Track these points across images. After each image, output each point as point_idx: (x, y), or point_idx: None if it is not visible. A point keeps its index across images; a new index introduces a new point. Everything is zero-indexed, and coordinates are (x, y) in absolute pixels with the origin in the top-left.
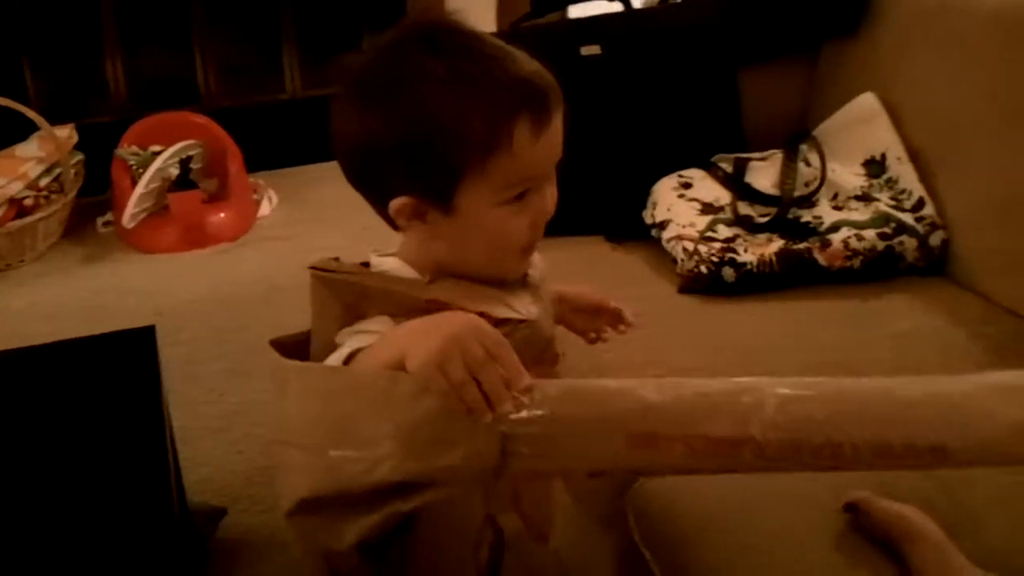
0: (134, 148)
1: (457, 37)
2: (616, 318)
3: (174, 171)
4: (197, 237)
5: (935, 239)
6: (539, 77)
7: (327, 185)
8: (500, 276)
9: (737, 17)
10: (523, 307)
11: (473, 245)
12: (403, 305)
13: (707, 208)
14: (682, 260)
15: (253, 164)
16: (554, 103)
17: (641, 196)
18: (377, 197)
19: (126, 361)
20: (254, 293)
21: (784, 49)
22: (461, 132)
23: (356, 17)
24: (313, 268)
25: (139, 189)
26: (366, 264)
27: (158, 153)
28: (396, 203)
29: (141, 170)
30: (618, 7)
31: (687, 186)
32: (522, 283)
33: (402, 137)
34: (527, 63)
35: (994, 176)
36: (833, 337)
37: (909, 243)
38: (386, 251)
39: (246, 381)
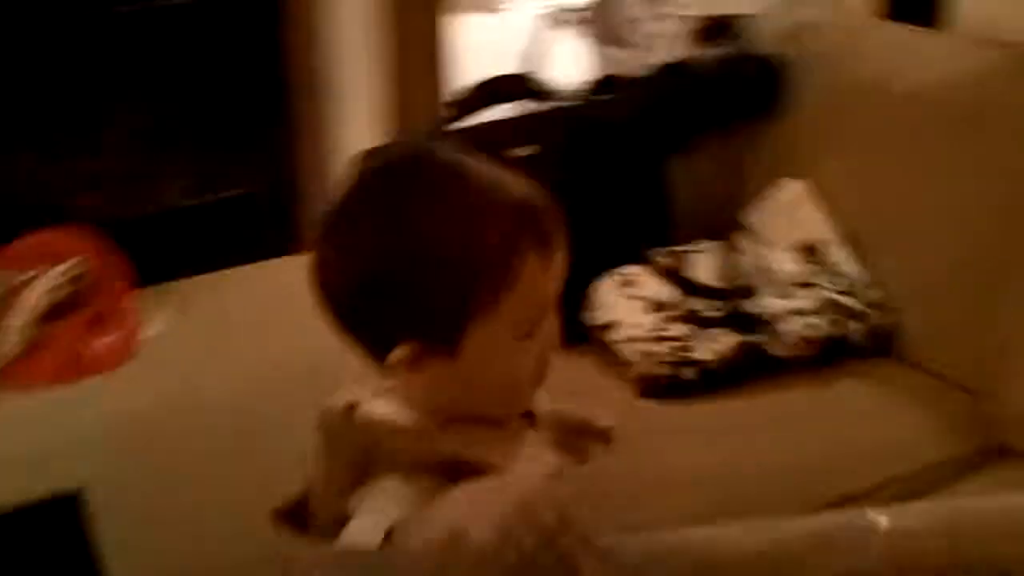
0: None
1: (448, 164)
2: (603, 436)
3: (50, 297)
4: (80, 366)
5: (881, 320)
6: (538, 200)
7: (223, 295)
8: (509, 414)
9: (660, 108)
10: (540, 452)
11: (481, 387)
12: (416, 460)
13: (653, 306)
14: (637, 363)
15: (142, 279)
16: (557, 227)
17: (578, 297)
18: (373, 345)
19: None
20: (152, 423)
21: (708, 136)
22: (471, 268)
23: (247, 116)
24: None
25: (10, 321)
26: (352, 407)
27: (31, 279)
28: (397, 353)
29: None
30: (540, 105)
31: (629, 284)
32: (529, 419)
33: (404, 276)
34: (521, 186)
35: (930, 252)
36: (802, 432)
37: (856, 327)
38: (371, 387)
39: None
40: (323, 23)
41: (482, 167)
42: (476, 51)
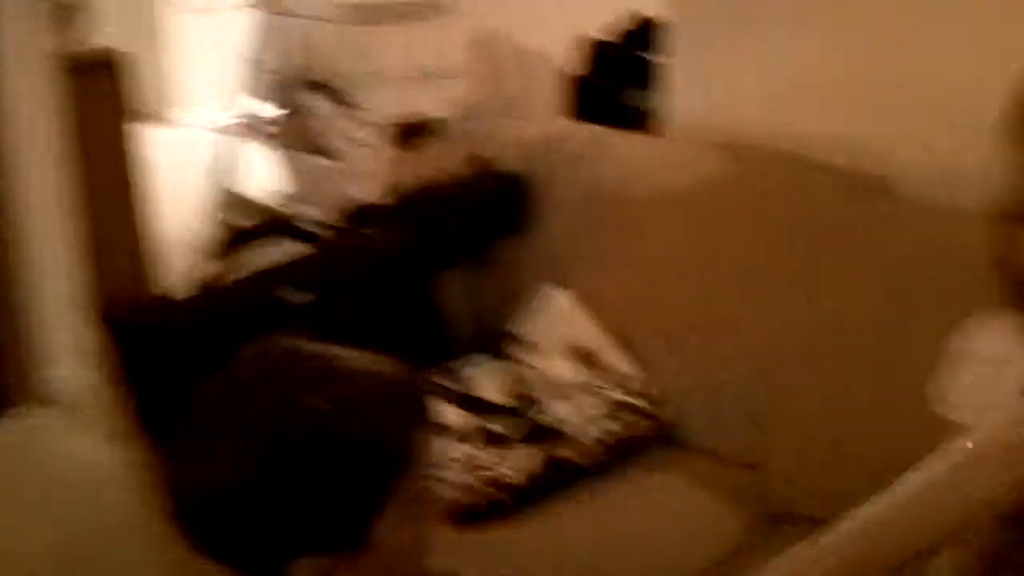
0: None
1: (314, 361)
2: None
3: None
4: None
5: (663, 414)
6: (404, 374)
7: None
8: None
9: (420, 233)
10: None
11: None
12: None
13: (446, 432)
14: (449, 494)
15: None
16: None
17: None
18: (266, 555)
19: None
20: None
21: (470, 254)
22: (378, 462)
23: None
24: None
25: None
26: None
27: None
28: (312, 566)
29: None
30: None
31: None
32: None
33: (306, 487)
34: (383, 364)
35: (698, 343)
36: (618, 534)
37: (645, 424)
38: None
39: None
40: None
41: (345, 357)
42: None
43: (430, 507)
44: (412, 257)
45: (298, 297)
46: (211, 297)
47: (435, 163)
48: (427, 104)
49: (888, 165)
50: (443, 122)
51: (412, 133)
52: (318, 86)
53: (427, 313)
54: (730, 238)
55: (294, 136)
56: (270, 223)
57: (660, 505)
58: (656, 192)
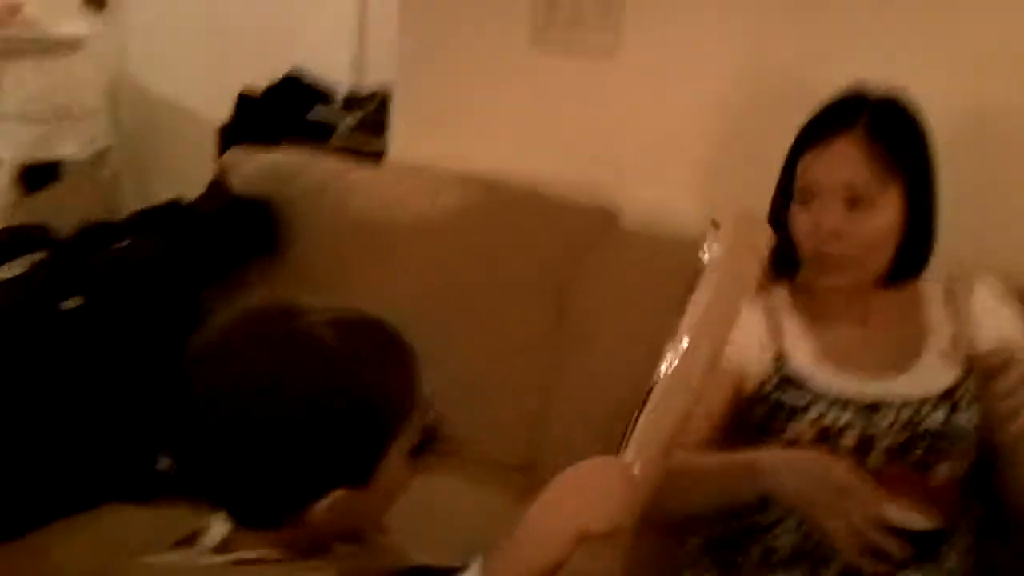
0: None
1: (314, 312)
2: None
3: None
4: None
5: (433, 420)
6: (398, 329)
7: None
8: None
9: (178, 249)
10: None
11: (377, 508)
12: None
13: None
14: None
15: None
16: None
17: (145, 447)
18: (287, 501)
19: None
20: None
21: (223, 271)
22: (391, 405)
23: None
24: None
25: None
26: None
27: None
28: (328, 502)
29: None
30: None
31: None
32: None
33: (321, 427)
34: (380, 321)
35: (461, 356)
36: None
37: None
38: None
39: None
40: None
41: (341, 309)
42: None
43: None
44: (168, 268)
45: (69, 302)
46: None
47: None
48: (59, 144)
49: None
50: (76, 163)
51: (41, 173)
52: None
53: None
54: (487, 261)
55: None
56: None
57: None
58: (398, 220)
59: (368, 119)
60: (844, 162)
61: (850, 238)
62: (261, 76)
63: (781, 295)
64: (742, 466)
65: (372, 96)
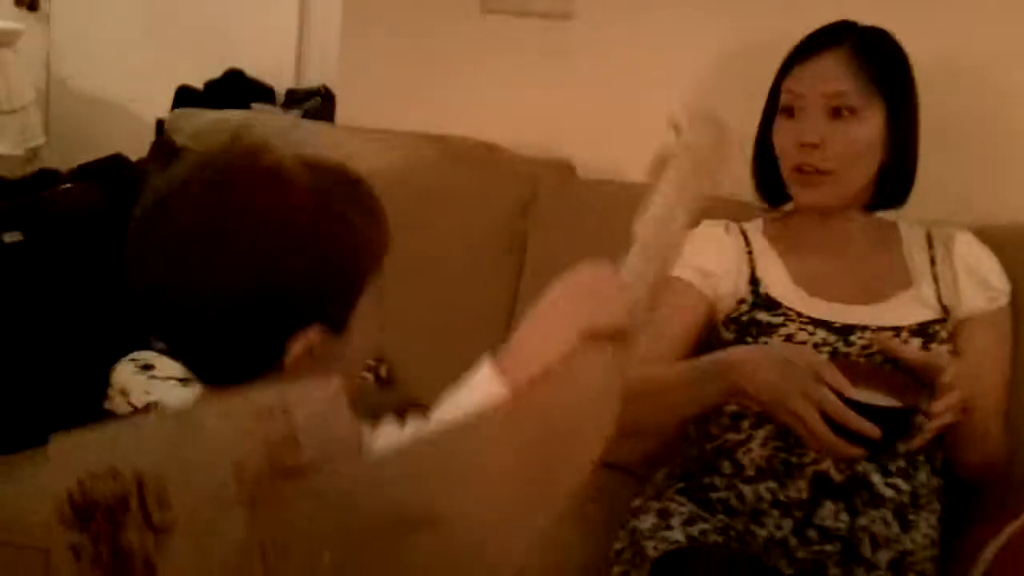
0: None
1: (281, 154)
2: None
3: None
4: None
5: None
6: (364, 181)
7: None
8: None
9: (121, 196)
10: None
11: (351, 363)
12: None
13: (184, 381)
14: None
15: None
16: None
17: (89, 386)
18: (263, 344)
19: None
20: None
21: None
22: (363, 250)
23: None
24: None
25: None
26: None
27: None
28: (304, 340)
29: None
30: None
31: (149, 367)
32: None
33: (329, 273)
34: (351, 173)
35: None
36: None
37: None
38: None
39: None
40: None
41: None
42: None
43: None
44: (108, 216)
45: (9, 236)
46: None
47: None
48: None
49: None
50: (9, 158)
51: None
52: None
53: None
54: (412, 215)
55: None
56: None
57: None
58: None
59: (311, 114)
60: (829, 73)
61: (831, 149)
62: (200, 76)
63: (758, 226)
64: (710, 364)
65: (314, 92)
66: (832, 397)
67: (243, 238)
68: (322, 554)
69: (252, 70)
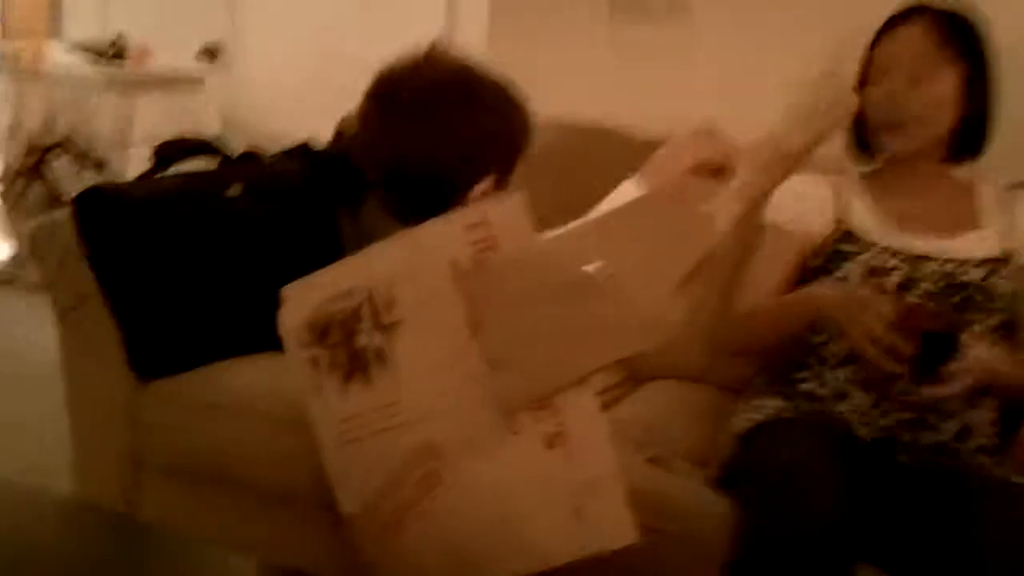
0: None
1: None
2: None
3: None
4: None
5: None
6: None
7: None
8: None
9: (319, 172)
10: None
11: None
12: None
13: None
14: None
15: None
16: None
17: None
18: (462, 185)
19: None
20: None
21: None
22: (527, 129)
23: None
24: None
25: None
26: None
27: None
28: (484, 184)
29: None
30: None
31: None
32: None
33: (496, 134)
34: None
35: None
36: None
37: None
38: None
39: None
40: None
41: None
42: None
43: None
44: (307, 185)
45: (232, 190)
46: (169, 185)
47: None
48: (181, 169)
49: None
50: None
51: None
52: (71, 150)
53: (331, 240)
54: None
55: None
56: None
57: None
58: None
59: None
60: (908, 41)
61: (910, 103)
62: None
63: (850, 175)
64: (796, 297)
65: None
66: (878, 319)
67: (464, 110)
68: (519, 317)
69: None
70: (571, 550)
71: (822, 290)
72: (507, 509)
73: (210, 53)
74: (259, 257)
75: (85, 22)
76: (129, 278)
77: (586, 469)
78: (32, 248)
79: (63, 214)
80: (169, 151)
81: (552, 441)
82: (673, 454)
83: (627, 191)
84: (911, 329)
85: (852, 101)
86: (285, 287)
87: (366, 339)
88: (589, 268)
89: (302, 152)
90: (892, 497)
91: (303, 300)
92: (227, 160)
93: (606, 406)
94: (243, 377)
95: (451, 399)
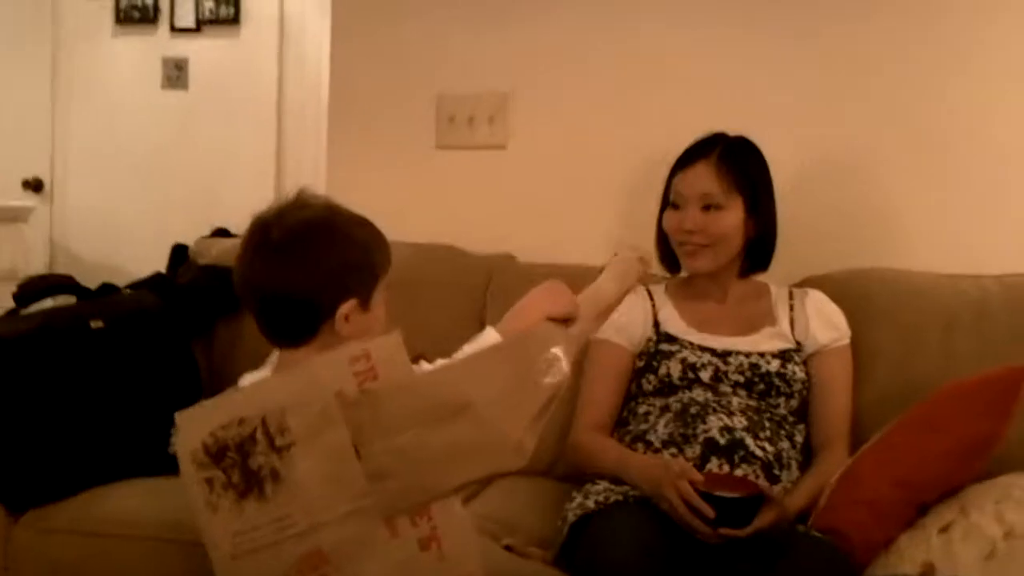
0: None
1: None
2: None
3: None
4: None
5: None
6: None
7: None
8: None
9: (176, 302)
10: None
11: (376, 332)
12: None
13: None
14: None
15: None
16: None
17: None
18: (326, 310)
19: None
20: None
21: (203, 326)
22: (385, 256)
23: None
24: None
25: None
26: None
27: None
28: (348, 304)
29: None
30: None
31: None
32: None
33: (354, 264)
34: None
35: None
36: None
37: None
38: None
39: None
40: None
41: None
42: None
43: None
44: (162, 315)
45: (95, 323)
46: (34, 322)
47: None
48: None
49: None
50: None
51: None
52: None
53: (187, 362)
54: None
55: None
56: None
57: None
58: None
59: None
60: (701, 178)
61: (704, 232)
62: (191, 236)
63: (660, 288)
64: (618, 464)
65: None
66: (687, 487)
67: (327, 245)
68: (397, 439)
69: (236, 228)
70: None
71: (636, 461)
72: None
73: (34, 185)
74: (122, 385)
75: None
76: None
77: (456, 566)
78: None
79: None
80: (30, 289)
81: (427, 544)
82: (525, 541)
83: (490, 336)
84: (711, 494)
85: (644, 267)
86: (179, 412)
87: (262, 459)
88: (459, 398)
89: (157, 282)
90: (709, 557)
91: (197, 425)
92: (87, 294)
93: (466, 501)
94: (115, 502)
95: (339, 510)
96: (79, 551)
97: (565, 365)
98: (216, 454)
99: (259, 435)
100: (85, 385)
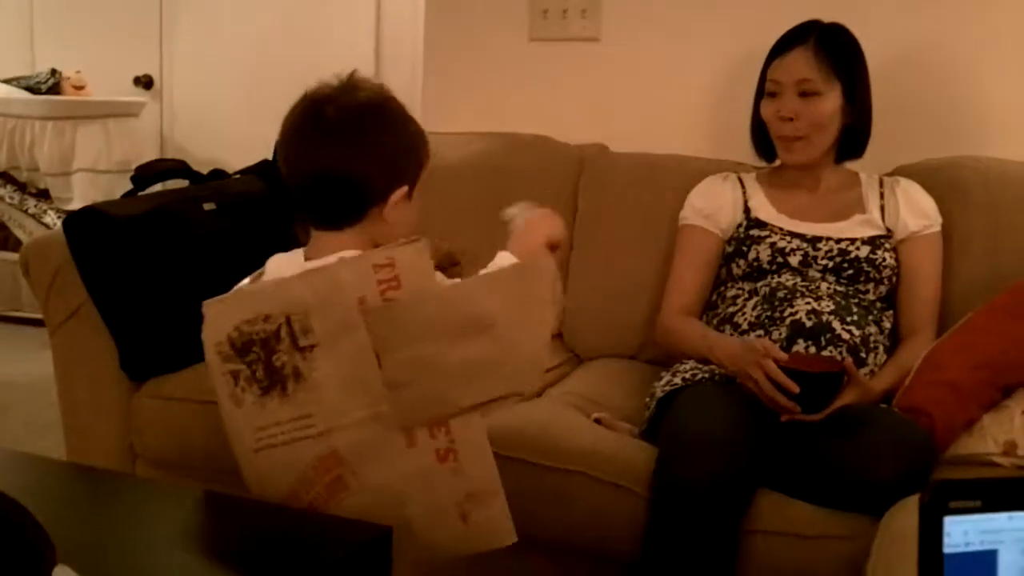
0: None
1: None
2: None
3: None
4: None
5: None
6: None
7: None
8: None
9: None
10: None
11: (413, 219)
12: None
13: None
14: None
15: None
16: None
17: None
18: (380, 194)
19: None
20: None
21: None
22: (426, 147)
23: None
24: None
25: None
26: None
27: None
28: (401, 191)
29: None
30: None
31: None
32: None
33: (409, 150)
34: None
35: None
36: None
37: None
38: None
39: None
40: None
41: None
42: None
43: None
44: (267, 198)
45: (207, 205)
46: (151, 203)
47: None
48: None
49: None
50: None
51: None
52: (10, 178)
53: (290, 243)
54: (489, 187)
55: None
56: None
57: None
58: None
59: None
60: (797, 65)
61: (801, 120)
62: None
63: (752, 176)
64: (703, 342)
65: None
66: (771, 364)
67: (385, 128)
68: (417, 350)
69: None
70: (460, 547)
71: (722, 342)
72: (404, 511)
73: (145, 82)
74: (232, 263)
75: (12, 59)
76: (119, 290)
77: (471, 482)
78: (24, 267)
79: (53, 234)
80: (146, 173)
81: (444, 456)
82: (614, 416)
83: (504, 258)
84: (797, 371)
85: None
86: (206, 302)
87: (285, 357)
88: (483, 316)
89: (263, 169)
90: (790, 428)
91: (224, 317)
92: (198, 178)
93: (555, 381)
94: None
95: (356, 414)
96: (193, 417)
97: (560, 292)
98: (241, 348)
99: (283, 333)
100: (198, 263)
